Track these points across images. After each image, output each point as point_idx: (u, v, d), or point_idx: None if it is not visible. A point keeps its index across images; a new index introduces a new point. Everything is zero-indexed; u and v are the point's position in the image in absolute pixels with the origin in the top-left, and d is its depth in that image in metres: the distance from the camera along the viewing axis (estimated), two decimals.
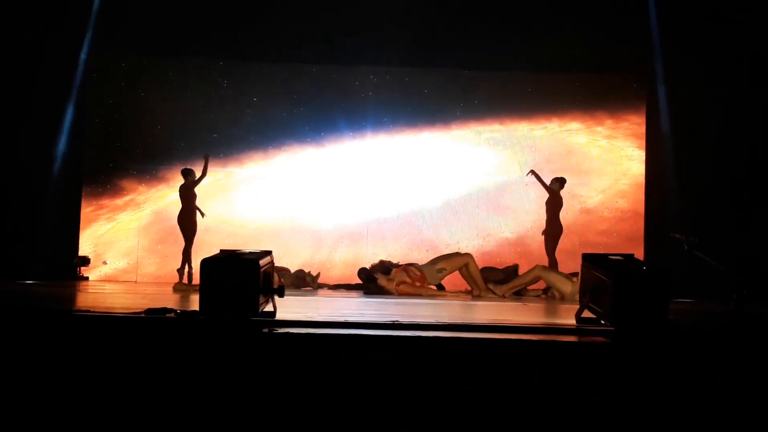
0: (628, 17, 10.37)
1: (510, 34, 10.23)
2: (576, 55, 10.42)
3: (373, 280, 8.85)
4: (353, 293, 8.98)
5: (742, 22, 9.74)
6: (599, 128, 10.94)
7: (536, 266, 9.03)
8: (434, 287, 8.88)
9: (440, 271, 8.88)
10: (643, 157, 10.86)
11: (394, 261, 9.59)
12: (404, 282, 8.68)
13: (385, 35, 10.28)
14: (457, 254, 9.13)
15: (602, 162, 10.93)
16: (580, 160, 10.83)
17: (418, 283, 8.70)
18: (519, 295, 8.85)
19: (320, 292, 9.05)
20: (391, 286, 8.68)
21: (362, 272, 9.30)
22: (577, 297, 8.36)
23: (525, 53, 10.40)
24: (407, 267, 8.96)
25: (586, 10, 10.17)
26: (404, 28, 10.28)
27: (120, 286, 9.10)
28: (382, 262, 9.34)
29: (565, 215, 10.29)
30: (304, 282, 9.43)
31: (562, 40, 10.18)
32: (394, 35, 10.29)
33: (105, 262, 10.35)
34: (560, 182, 10.12)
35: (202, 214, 9.96)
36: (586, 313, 4.57)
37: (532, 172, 10.22)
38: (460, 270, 8.87)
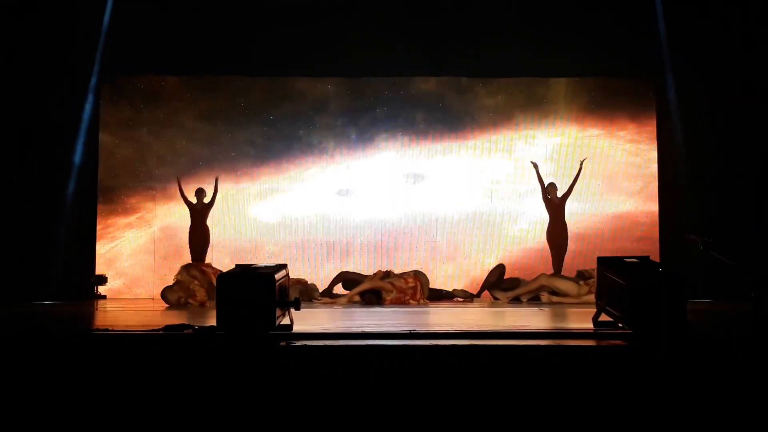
0: (636, 21, 10.32)
1: (522, 40, 10.20)
2: (588, 59, 10.38)
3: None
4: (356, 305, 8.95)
5: (750, 21, 9.70)
6: (621, 132, 10.81)
7: (540, 275, 9.09)
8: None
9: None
10: (663, 159, 10.71)
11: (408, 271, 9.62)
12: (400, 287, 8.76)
13: (398, 47, 10.27)
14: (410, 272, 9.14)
15: (629, 166, 10.79)
16: (604, 164, 10.72)
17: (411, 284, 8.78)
18: (518, 300, 8.98)
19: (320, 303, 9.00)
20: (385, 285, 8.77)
21: (342, 275, 9.43)
22: (583, 298, 8.46)
23: (539, 59, 10.36)
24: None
25: (595, 15, 10.13)
26: (416, 39, 10.28)
27: (137, 303, 9.12)
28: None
29: (596, 221, 10.42)
30: (307, 294, 9.35)
31: (573, 45, 10.15)
32: (406, 47, 10.28)
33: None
34: (552, 187, 10.10)
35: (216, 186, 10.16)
36: (604, 317, 4.56)
37: (534, 164, 10.11)
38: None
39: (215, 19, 10.21)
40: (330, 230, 10.80)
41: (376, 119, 10.88)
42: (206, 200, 10.15)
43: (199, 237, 10.11)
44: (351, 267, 10.41)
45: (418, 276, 8.94)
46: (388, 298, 8.66)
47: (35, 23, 9.70)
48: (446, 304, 8.71)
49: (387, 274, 9.00)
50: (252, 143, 10.83)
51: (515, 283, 9.31)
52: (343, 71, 10.79)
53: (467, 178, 10.85)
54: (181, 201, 10.26)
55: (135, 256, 10.67)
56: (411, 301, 8.64)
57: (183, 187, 10.21)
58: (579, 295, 8.58)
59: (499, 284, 9.34)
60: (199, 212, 10.15)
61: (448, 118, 10.87)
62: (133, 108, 10.76)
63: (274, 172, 10.83)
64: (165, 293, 8.34)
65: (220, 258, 10.11)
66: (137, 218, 10.72)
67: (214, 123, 10.80)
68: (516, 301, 8.97)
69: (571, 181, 10.06)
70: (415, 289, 8.74)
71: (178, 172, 10.40)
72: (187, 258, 9.97)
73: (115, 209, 10.68)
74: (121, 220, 10.70)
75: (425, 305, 8.49)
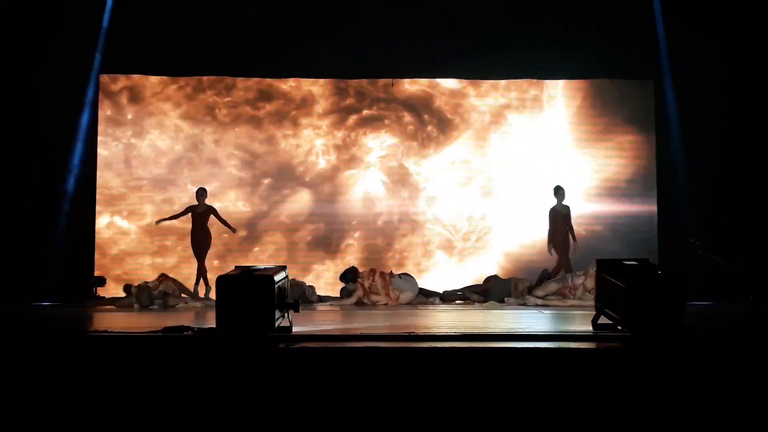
0: (635, 22, 10.32)
1: (518, 41, 10.18)
2: (586, 61, 10.37)
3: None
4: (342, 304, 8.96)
5: (748, 22, 9.71)
6: (620, 134, 10.77)
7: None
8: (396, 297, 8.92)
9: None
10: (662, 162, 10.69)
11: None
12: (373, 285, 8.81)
13: (388, 48, 10.25)
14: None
15: (627, 168, 10.73)
16: (602, 167, 10.70)
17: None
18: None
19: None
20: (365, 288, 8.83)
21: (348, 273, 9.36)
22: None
23: (537, 61, 10.37)
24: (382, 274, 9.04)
25: (593, 16, 10.13)
26: (416, 41, 10.24)
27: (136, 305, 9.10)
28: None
29: (594, 223, 10.48)
30: (304, 296, 9.31)
31: (570, 46, 10.13)
32: (396, 48, 10.26)
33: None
34: (559, 193, 10.01)
35: (233, 230, 10.02)
36: (603, 320, 4.56)
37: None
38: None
39: (202, 19, 10.15)
40: (321, 231, 10.76)
41: (364, 120, 10.85)
42: (208, 202, 10.06)
43: (200, 240, 9.99)
44: (343, 269, 10.43)
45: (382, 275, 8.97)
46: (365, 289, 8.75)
47: (35, 24, 9.72)
48: (443, 306, 8.68)
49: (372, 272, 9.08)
50: (253, 148, 10.79)
51: (508, 285, 9.26)
52: (331, 72, 10.75)
53: (459, 179, 10.82)
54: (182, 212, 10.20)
55: (133, 258, 10.64)
56: (384, 301, 8.68)
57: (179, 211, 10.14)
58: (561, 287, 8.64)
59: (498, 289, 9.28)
60: (200, 215, 10.03)
61: (448, 119, 10.85)
62: (118, 108, 10.71)
63: (261, 173, 10.77)
64: (137, 297, 8.37)
65: (210, 260, 10.07)
66: (134, 219, 10.67)
67: (200, 124, 10.74)
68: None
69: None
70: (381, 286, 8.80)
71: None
72: (185, 257, 9.93)
73: (113, 211, 10.65)
74: (119, 222, 10.67)
75: (405, 306, 8.48)
